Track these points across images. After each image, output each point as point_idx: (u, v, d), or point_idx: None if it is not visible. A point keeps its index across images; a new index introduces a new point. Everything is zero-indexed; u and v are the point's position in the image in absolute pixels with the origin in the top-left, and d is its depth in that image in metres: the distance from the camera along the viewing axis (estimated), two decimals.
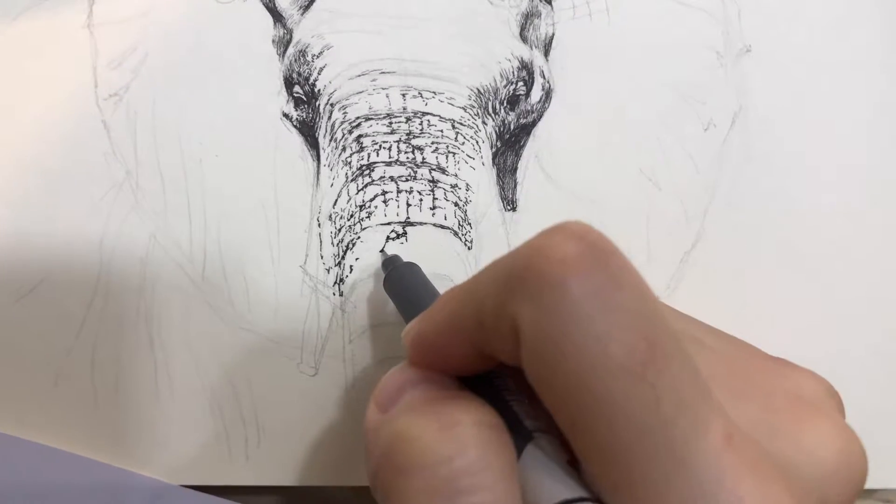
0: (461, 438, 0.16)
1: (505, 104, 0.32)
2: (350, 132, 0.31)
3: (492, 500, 0.15)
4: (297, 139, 0.31)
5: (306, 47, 0.31)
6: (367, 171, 0.31)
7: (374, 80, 0.31)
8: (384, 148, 0.31)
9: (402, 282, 0.28)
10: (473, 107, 0.31)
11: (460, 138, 0.31)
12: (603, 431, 0.14)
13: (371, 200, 0.31)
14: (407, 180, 0.31)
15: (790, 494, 0.14)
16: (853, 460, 0.17)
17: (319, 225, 0.31)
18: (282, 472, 0.31)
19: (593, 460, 0.14)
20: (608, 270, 0.15)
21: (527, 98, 0.32)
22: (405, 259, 0.30)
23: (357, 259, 0.31)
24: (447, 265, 0.31)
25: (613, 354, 0.14)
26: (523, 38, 0.32)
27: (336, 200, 0.31)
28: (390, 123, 0.31)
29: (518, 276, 0.15)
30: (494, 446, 0.16)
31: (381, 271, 0.30)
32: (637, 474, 0.14)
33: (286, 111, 0.31)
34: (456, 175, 0.31)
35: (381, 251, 0.31)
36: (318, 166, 0.31)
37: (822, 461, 0.16)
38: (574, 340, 0.14)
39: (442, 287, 0.24)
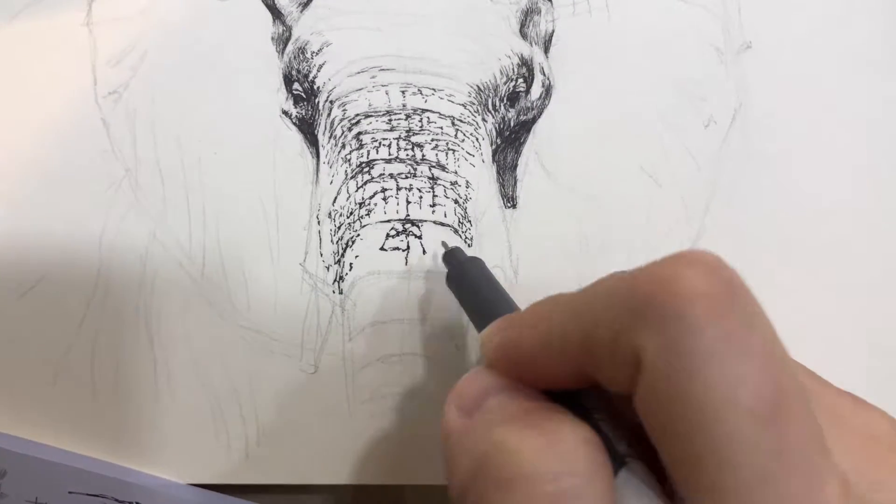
0: (567, 456, 0.15)
1: (505, 101, 0.31)
2: (349, 129, 0.31)
3: None
4: (296, 136, 0.31)
5: (305, 44, 0.31)
6: (366, 169, 0.31)
7: (373, 76, 0.31)
8: (384, 145, 0.31)
9: (469, 278, 0.27)
10: (473, 104, 0.31)
11: (460, 135, 0.31)
12: (721, 473, 0.14)
13: (371, 198, 0.31)
14: (407, 177, 0.31)
15: None
16: None
17: (319, 222, 0.31)
18: (281, 470, 0.31)
19: (703, 498, 0.14)
20: (743, 312, 0.14)
21: (527, 95, 0.32)
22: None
23: (357, 257, 0.31)
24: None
25: (743, 399, 0.14)
26: (523, 35, 0.32)
27: (335, 198, 0.31)
28: (390, 120, 0.31)
29: (643, 306, 0.15)
30: (598, 466, 0.15)
31: (442, 264, 0.30)
32: None
33: (285, 108, 0.31)
34: (456, 172, 0.31)
35: (443, 242, 0.30)
36: (318, 163, 0.31)
37: None
38: (704, 381, 0.14)
39: None
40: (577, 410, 0.17)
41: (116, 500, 0.30)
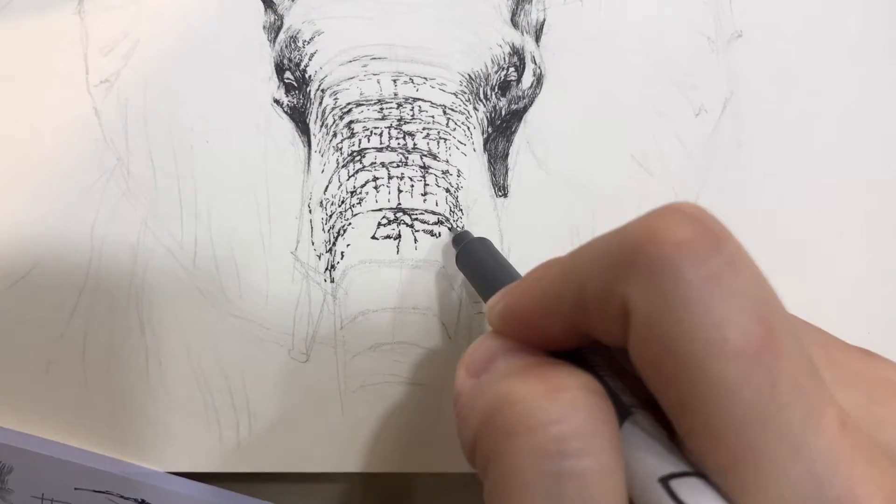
0: (570, 402, 0.15)
1: (496, 90, 0.31)
2: (341, 118, 0.31)
3: (598, 465, 0.15)
4: (287, 125, 0.31)
5: (297, 33, 0.31)
6: (358, 158, 0.31)
7: (365, 65, 0.31)
8: (375, 134, 0.31)
9: (475, 256, 0.28)
10: (465, 93, 0.31)
11: (451, 124, 0.31)
12: (715, 414, 0.14)
13: (362, 187, 0.31)
14: (398, 166, 0.31)
15: None
16: None
17: (310, 211, 0.31)
18: (273, 458, 0.31)
19: (701, 441, 0.14)
20: (724, 254, 0.14)
21: (518, 84, 0.32)
22: None
23: (348, 245, 0.31)
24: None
25: (730, 338, 0.14)
26: (514, 24, 0.32)
27: (327, 187, 0.31)
28: (381, 109, 0.31)
29: (629, 257, 0.15)
30: (602, 413, 0.16)
31: (452, 248, 0.30)
32: (748, 457, 0.14)
33: (277, 97, 0.31)
34: (447, 161, 0.31)
35: (450, 228, 0.31)
36: (309, 152, 0.31)
37: None
38: (690, 324, 0.14)
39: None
40: (582, 367, 0.18)
41: (122, 496, 0.31)
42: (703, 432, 0.14)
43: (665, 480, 0.15)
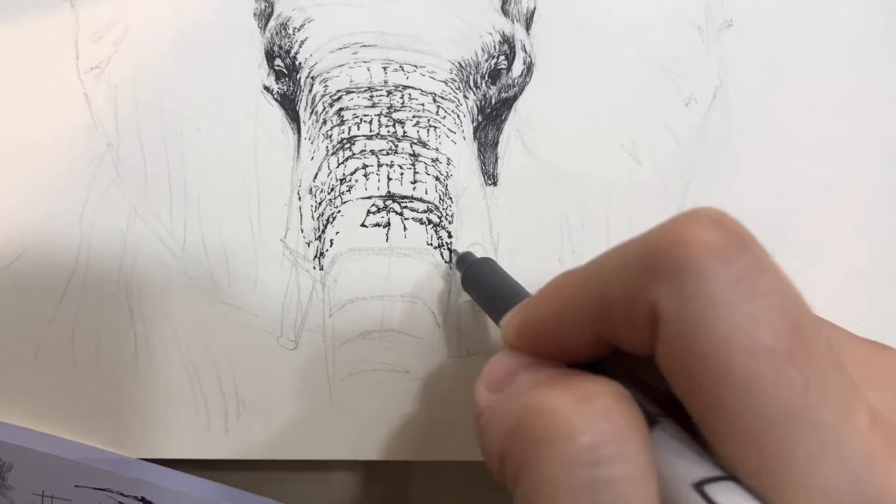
0: (602, 409, 0.15)
1: (486, 78, 0.31)
2: (331, 105, 0.31)
3: (633, 472, 0.15)
4: (277, 112, 0.31)
5: (287, 20, 0.31)
6: (347, 145, 0.31)
7: (355, 53, 0.31)
8: (365, 121, 0.31)
9: (482, 276, 0.28)
10: (455, 81, 0.31)
11: (441, 112, 0.31)
12: (748, 414, 0.14)
13: (352, 174, 0.31)
14: (388, 154, 0.31)
15: None
16: None
17: (300, 198, 0.31)
18: (261, 445, 0.31)
19: (734, 444, 0.14)
20: (751, 255, 0.15)
21: (508, 72, 0.32)
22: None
23: (337, 233, 0.31)
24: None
25: (761, 339, 0.14)
26: (505, 12, 0.32)
27: (316, 174, 0.31)
28: (371, 97, 0.31)
29: (654, 261, 0.15)
30: (633, 420, 0.16)
31: (457, 270, 0.30)
32: (783, 458, 0.14)
33: (267, 84, 0.31)
34: (437, 149, 0.31)
35: (453, 250, 0.31)
36: (299, 139, 0.31)
37: None
38: (721, 326, 0.14)
39: None
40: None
41: (122, 493, 0.31)
42: (736, 434, 0.14)
43: (699, 486, 0.15)
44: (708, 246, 0.14)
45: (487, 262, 0.29)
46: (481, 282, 0.28)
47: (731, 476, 0.15)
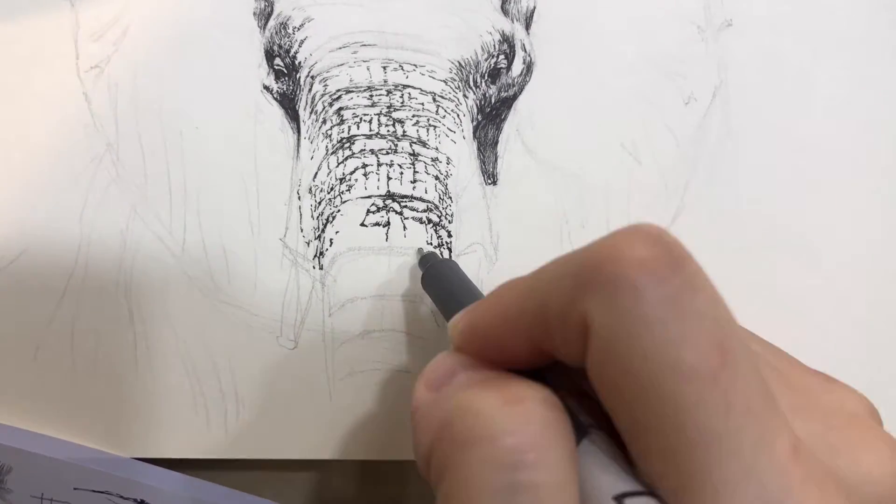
0: (526, 413, 0.15)
1: (486, 77, 0.31)
2: (330, 105, 0.31)
3: (553, 479, 0.15)
4: (277, 112, 0.31)
5: (287, 19, 0.31)
6: (347, 144, 0.31)
7: (354, 52, 0.31)
8: (364, 121, 0.31)
9: (441, 278, 0.28)
10: (454, 80, 0.31)
11: (441, 111, 0.31)
12: (670, 434, 0.14)
13: (351, 173, 0.31)
14: (387, 153, 0.31)
15: None
16: None
17: (299, 198, 0.31)
18: (261, 445, 0.31)
19: (655, 461, 0.14)
20: (683, 275, 0.15)
21: (508, 71, 0.32)
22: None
23: (337, 232, 0.31)
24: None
25: (687, 359, 0.14)
26: (505, 12, 0.32)
27: (316, 173, 0.31)
28: (371, 96, 0.31)
29: (590, 275, 0.15)
30: (558, 427, 0.15)
31: (418, 268, 0.30)
32: (702, 479, 0.14)
33: (267, 84, 0.31)
34: (437, 148, 0.31)
35: (418, 249, 0.31)
36: (299, 139, 0.31)
37: (879, 482, 0.16)
38: (647, 343, 0.14)
39: None
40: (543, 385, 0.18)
41: (121, 496, 0.31)
42: (657, 452, 0.14)
43: (619, 499, 0.15)
44: (641, 262, 0.14)
45: (448, 264, 0.29)
46: (438, 283, 0.28)
47: (651, 492, 0.15)
